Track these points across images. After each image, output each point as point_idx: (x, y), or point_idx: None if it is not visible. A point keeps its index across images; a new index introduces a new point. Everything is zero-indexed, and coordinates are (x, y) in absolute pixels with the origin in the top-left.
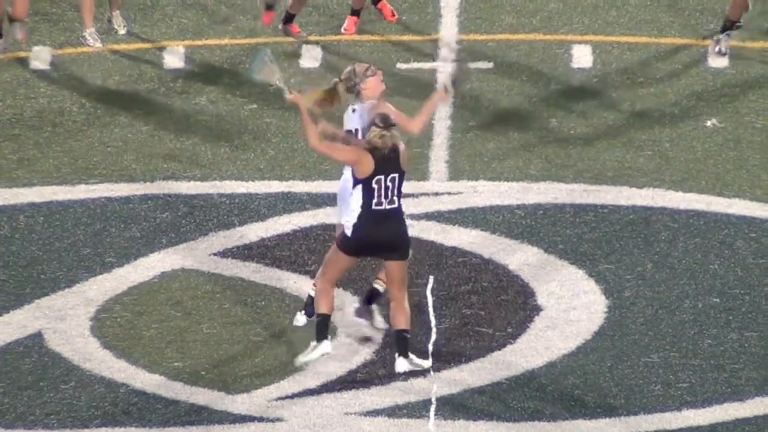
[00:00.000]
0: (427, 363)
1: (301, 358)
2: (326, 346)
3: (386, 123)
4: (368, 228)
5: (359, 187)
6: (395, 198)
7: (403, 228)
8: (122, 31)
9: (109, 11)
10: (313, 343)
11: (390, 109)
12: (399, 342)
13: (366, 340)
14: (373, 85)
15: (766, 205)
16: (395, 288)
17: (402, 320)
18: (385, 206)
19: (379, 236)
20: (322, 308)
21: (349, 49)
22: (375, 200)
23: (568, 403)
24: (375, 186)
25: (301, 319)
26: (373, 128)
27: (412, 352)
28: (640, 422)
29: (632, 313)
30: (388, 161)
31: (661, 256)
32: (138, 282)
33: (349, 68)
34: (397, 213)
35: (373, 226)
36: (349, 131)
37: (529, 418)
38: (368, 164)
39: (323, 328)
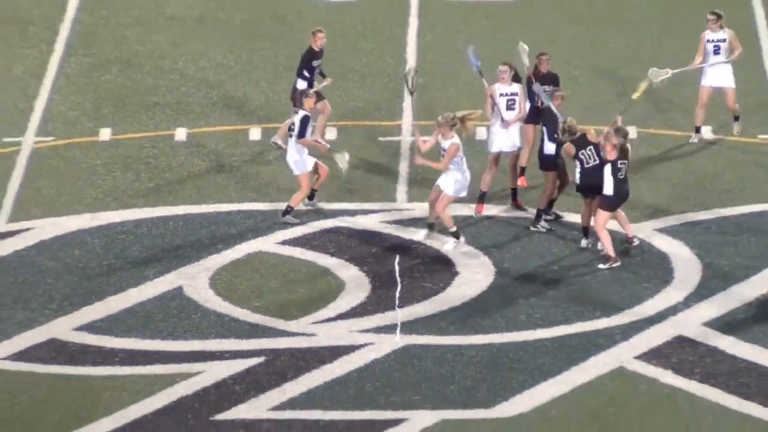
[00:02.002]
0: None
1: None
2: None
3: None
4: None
5: None
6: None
7: (601, 183)
8: (344, 165)
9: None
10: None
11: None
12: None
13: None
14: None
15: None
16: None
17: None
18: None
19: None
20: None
21: (356, 131)
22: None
23: (474, 325)
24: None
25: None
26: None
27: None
28: (513, 336)
29: (509, 276)
30: (584, 147)
31: (523, 246)
32: (235, 258)
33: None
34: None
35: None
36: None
37: (453, 333)
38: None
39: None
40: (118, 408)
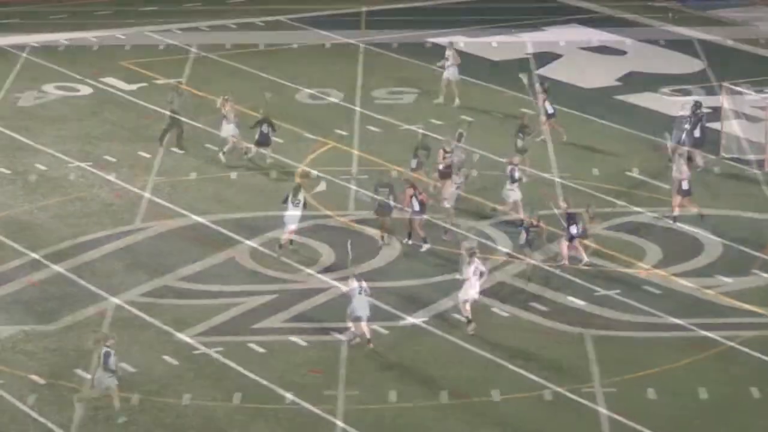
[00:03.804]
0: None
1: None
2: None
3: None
4: None
5: None
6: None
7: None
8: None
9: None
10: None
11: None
12: None
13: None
14: None
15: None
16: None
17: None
18: None
19: None
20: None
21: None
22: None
23: (390, 275)
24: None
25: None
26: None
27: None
28: (411, 282)
29: (411, 253)
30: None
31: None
32: (268, 240)
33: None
34: None
35: None
36: None
37: (379, 280)
38: None
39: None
40: (204, 319)
